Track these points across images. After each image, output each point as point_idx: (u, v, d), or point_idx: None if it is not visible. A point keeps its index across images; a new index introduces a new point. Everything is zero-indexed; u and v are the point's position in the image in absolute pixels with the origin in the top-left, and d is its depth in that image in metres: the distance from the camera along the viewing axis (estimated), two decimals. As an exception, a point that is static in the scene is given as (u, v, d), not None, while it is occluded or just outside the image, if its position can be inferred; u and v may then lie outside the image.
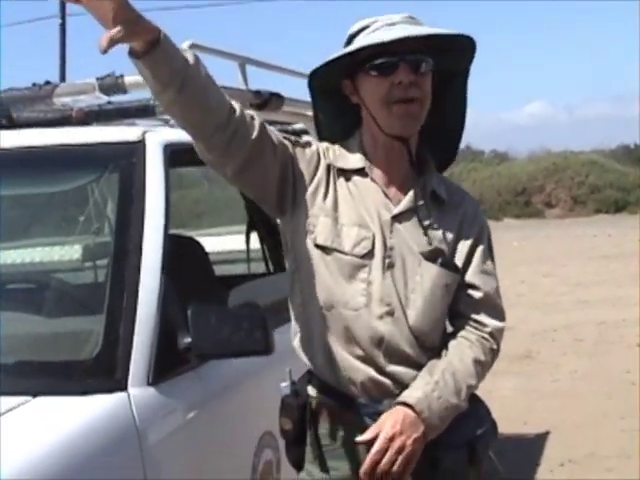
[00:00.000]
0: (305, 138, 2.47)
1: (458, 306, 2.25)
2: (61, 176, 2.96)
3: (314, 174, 2.22)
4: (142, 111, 3.26)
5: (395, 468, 2.06)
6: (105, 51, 1.81)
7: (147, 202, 2.58)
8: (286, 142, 2.20)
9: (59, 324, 2.60)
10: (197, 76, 1.98)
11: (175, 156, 2.76)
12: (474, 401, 2.26)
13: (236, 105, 2.09)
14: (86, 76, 3.10)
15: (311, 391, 2.27)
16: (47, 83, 3.14)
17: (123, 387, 2.25)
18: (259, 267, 4.10)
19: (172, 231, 2.99)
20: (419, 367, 2.18)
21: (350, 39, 2.22)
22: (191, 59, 1.97)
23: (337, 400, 2.22)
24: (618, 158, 37.47)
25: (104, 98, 3.11)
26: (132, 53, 1.91)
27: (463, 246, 2.25)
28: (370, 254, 2.17)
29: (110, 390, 2.24)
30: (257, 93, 3.42)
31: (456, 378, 2.16)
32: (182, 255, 3.01)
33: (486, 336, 2.24)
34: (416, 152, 2.27)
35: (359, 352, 2.17)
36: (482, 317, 2.25)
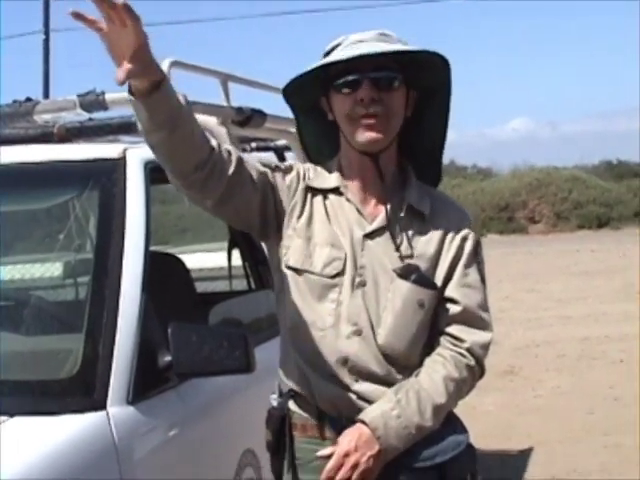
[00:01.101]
0: (288, 160, 2.47)
1: (438, 322, 2.23)
2: (42, 193, 2.95)
3: (292, 198, 2.25)
4: (123, 128, 3.26)
5: None
6: (122, 83, 1.86)
7: (128, 219, 2.58)
8: (266, 170, 2.24)
9: (38, 342, 2.59)
10: (188, 118, 2.03)
11: (156, 173, 2.73)
12: (449, 423, 2.23)
13: (214, 142, 2.14)
14: (70, 92, 3.10)
15: (291, 405, 2.27)
16: (28, 100, 3.13)
17: (102, 406, 2.25)
18: (240, 284, 4.09)
19: (154, 248, 2.98)
20: (391, 385, 2.18)
21: (325, 57, 2.24)
22: (183, 101, 2.02)
23: (311, 415, 2.23)
24: (600, 174, 37.64)
25: (85, 115, 3.11)
26: (133, 93, 1.93)
27: (444, 260, 2.23)
28: (341, 274, 2.19)
29: (89, 409, 2.23)
30: (239, 110, 3.42)
31: (420, 397, 2.15)
32: (163, 272, 3.01)
33: (462, 352, 2.21)
34: (396, 167, 2.28)
35: (326, 371, 2.18)
36: (460, 332, 2.22)
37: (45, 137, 3.01)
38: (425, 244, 2.22)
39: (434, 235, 2.24)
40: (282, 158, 4.15)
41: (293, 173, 2.28)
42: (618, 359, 8.99)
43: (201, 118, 3.35)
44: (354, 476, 2.09)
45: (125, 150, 2.76)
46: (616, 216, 32.41)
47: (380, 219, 2.22)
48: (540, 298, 14.06)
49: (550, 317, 12.08)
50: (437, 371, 2.18)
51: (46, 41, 8.09)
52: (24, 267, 3.30)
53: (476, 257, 2.27)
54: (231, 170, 2.14)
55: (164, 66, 3.05)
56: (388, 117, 2.18)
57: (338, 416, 2.20)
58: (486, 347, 2.26)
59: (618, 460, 5.67)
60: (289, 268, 2.22)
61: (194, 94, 3.27)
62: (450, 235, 2.24)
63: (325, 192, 2.27)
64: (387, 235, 2.21)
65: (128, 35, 1.82)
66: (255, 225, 2.25)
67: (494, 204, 34.11)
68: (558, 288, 15.10)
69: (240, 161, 2.17)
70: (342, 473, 2.09)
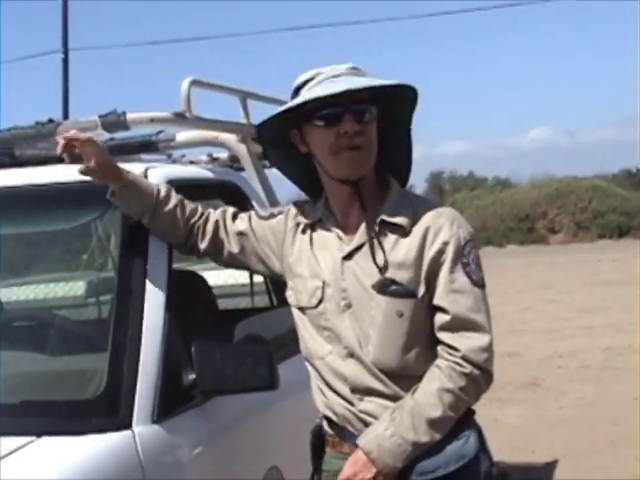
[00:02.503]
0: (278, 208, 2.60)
1: (435, 331, 2.26)
2: (65, 213, 2.96)
3: (283, 240, 2.45)
4: (145, 147, 3.28)
5: None
6: (81, 173, 2.47)
7: (150, 237, 2.59)
8: (260, 222, 2.52)
9: (63, 362, 2.60)
10: (164, 210, 2.50)
11: (178, 191, 2.76)
12: (453, 434, 2.25)
13: (211, 215, 2.56)
14: (90, 111, 3.12)
15: (324, 424, 2.41)
16: (50, 121, 3.15)
17: (128, 425, 2.25)
18: (262, 301, 4.10)
19: (175, 265, 2.99)
20: (396, 399, 2.24)
21: (296, 91, 2.32)
22: (162, 193, 2.50)
23: (335, 432, 2.37)
24: (620, 183, 37.50)
25: (106, 135, 3.13)
26: (111, 192, 2.48)
27: (425, 266, 2.24)
28: (322, 301, 2.31)
29: (115, 429, 2.23)
30: (258, 126, 3.43)
31: (414, 412, 2.19)
32: (186, 290, 3.01)
33: (458, 361, 2.21)
34: (376, 182, 2.34)
35: (336, 392, 2.31)
36: (453, 340, 2.23)
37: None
38: (405, 253, 2.25)
39: (414, 243, 2.25)
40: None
41: (280, 217, 2.48)
42: (642, 369, 8.93)
43: (222, 136, 3.40)
44: None
45: (147, 169, 2.78)
46: (637, 225, 32.21)
47: (356, 239, 2.29)
48: (562, 308, 13.99)
49: (572, 327, 12.01)
50: (431, 384, 2.21)
51: (65, 61, 8.13)
52: (48, 287, 3.32)
53: (461, 259, 2.25)
54: (206, 245, 2.55)
55: (184, 85, 3.07)
56: (369, 149, 2.27)
57: (355, 430, 2.30)
58: (486, 349, 2.23)
59: (644, 472, 5.62)
60: (294, 307, 2.40)
61: (214, 111, 3.31)
62: (429, 240, 2.24)
63: (311, 225, 2.39)
64: (365, 253, 2.27)
65: (88, 151, 2.44)
66: (263, 270, 2.57)
67: (514, 215, 34.01)
68: (580, 298, 15.03)
69: (215, 233, 2.54)
70: None
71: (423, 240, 2.24)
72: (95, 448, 2.17)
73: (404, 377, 2.25)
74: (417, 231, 2.25)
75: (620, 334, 11.14)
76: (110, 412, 2.28)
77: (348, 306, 2.28)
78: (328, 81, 2.24)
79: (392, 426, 2.19)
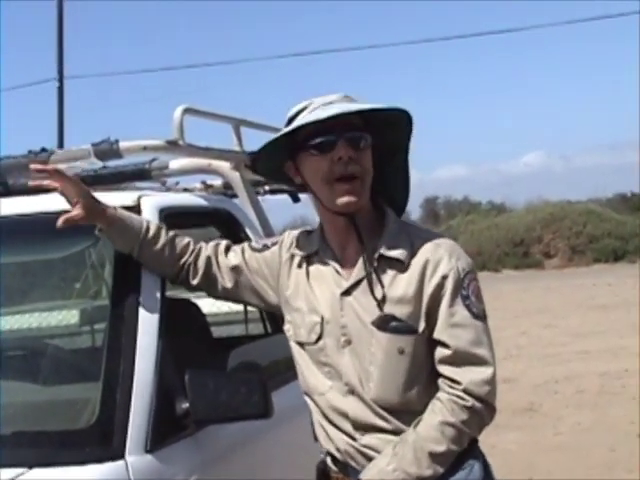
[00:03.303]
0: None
1: (436, 364, 2.23)
2: (58, 242, 2.95)
3: (279, 272, 2.42)
4: (138, 175, 3.29)
5: None
6: (60, 229, 2.45)
7: (143, 266, 2.58)
8: (253, 254, 2.50)
9: (55, 392, 2.58)
10: (151, 247, 2.50)
11: (171, 219, 2.76)
12: (454, 466, 2.22)
13: (203, 251, 2.54)
14: (85, 138, 3.13)
15: (328, 460, 2.38)
16: (43, 150, 3.16)
17: (120, 455, 2.23)
18: (257, 328, 4.09)
19: (169, 293, 2.98)
20: (399, 433, 2.22)
21: (289, 122, 2.30)
22: (151, 231, 2.50)
23: (339, 468, 2.34)
24: (615, 207, 37.58)
25: (99, 163, 3.13)
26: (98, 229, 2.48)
27: (425, 301, 2.21)
28: (321, 337, 2.28)
29: (108, 459, 2.21)
30: (252, 154, 3.44)
31: (416, 446, 2.16)
32: (179, 318, 3.00)
33: (459, 394, 2.18)
34: (373, 214, 2.32)
35: (338, 427, 2.29)
36: (454, 374, 2.20)
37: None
38: (405, 288, 2.21)
39: (413, 277, 2.22)
40: (296, 199, 4.17)
41: (274, 248, 2.46)
42: (638, 394, 8.90)
43: (215, 163, 3.40)
44: None
45: (139, 197, 2.78)
46: (632, 249, 32.25)
47: (354, 274, 2.26)
48: (558, 333, 13.98)
49: (568, 352, 12.00)
50: (433, 417, 2.18)
51: (60, 89, 8.14)
52: (41, 315, 3.31)
53: (461, 292, 2.21)
54: (198, 281, 2.54)
55: (177, 113, 3.08)
56: (363, 178, 2.24)
57: (357, 466, 2.27)
58: (488, 382, 2.21)
59: (642, 498, 5.60)
60: (293, 342, 2.38)
61: (207, 139, 3.32)
62: (429, 273, 2.21)
63: (307, 257, 2.35)
64: (364, 289, 2.24)
65: (69, 190, 2.44)
66: (260, 304, 2.56)
67: (509, 239, 34.04)
68: (575, 323, 15.02)
69: (208, 270, 2.53)
70: None
71: (422, 274, 2.21)
72: (88, 478, 2.15)
73: (406, 412, 2.23)
74: (415, 265, 2.22)
75: (616, 359, 11.14)
76: (103, 442, 2.26)
77: (348, 342, 2.25)
78: (320, 109, 2.23)
79: (394, 461, 2.16)
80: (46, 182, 2.45)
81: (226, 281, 2.51)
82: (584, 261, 32.41)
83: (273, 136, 2.30)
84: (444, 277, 2.20)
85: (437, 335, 2.21)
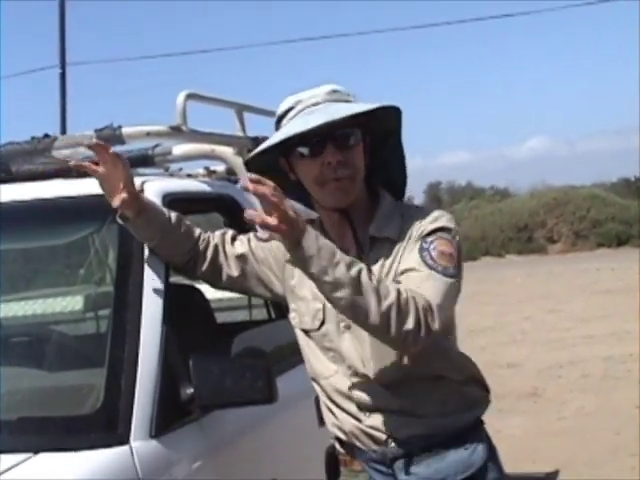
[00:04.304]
0: None
1: None
2: (62, 228, 2.96)
3: (284, 262, 2.40)
4: (141, 161, 3.28)
5: None
6: (117, 208, 2.38)
7: (147, 251, 2.58)
8: (260, 244, 2.48)
9: (60, 378, 2.59)
10: (171, 237, 2.49)
11: (174, 205, 2.75)
12: (460, 441, 2.26)
13: (211, 240, 2.54)
14: (88, 125, 3.13)
15: (337, 444, 2.44)
16: (46, 136, 3.15)
17: (125, 441, 2.24)
18: (261, 314, 4.09)
19: (173, 279, 2.99)
20: (400, 412, 2.25)
21: (278, 120, 2.33)
22: (173, 220, 2.48)
23: (346, 450, 2.40)
24: (619, 191, 37.56)
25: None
26: (121, 216, 2.40)
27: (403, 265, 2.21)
28: (324, 323, 2.31)
29: (112, 444, 2.22)
30: (255, 139, 3.43)
31: (364, 277, 2.05)
32: (183, 303, 3.01)
33: (419, 294, 2.10)
34: (368, 199, 2.34)
35: (344, 409, 2.33)
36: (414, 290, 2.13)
37: (64, 172, 3.02)
38: (397, 264, 2.24)
39: (399, 251, 2.25)
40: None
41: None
42: (643, 378, 8.92)
43: (218, 149, 3.39)
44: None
45: (143, 183, 2.77)
46: (636, 234, 32.24)
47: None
48: (561, 318, 13.99)
49: (572, 337, 12.01)
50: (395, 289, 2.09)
51: (62, 75, 8.10)
52: (45, 302, 3.31)
53: (422, 245, 2.19)
54: (204, 269, 2.53)
55: (180, 98, 3.08)
56: (354, 178, 2.26)
57: (365, 448, 2.32)
58: (429, 309, 2.10)
59: (646, 481, 5.61)
60: (297, 329, 2.41)
61: (211, 124, 3.31)
62: (412, 240, 2.23)
63: None
64: None
65: (118, 174, 2.35)
66: (266, 294, 2.56)
67: (512, 224, 34.05)
68: (579, 307, 15.03)
69: (215, 258, 2.52)
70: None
71: (405, 247, 2.24)
72: (93, 464, 2.16)
73: (408, 387, 2.25)
74: (402, 239, 2.25)
75: (620, 343, 11.14)
76: (108, 428, 2.27)
77: (347, 327, 2.28)
78: (307, 112, 2.24)
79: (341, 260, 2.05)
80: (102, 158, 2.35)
81: (232, 270, 2.52)
82: (588, 246, 32.43)
83: (257, 149, 2.33)
84: (416, 240, 2.23)
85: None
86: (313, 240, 2.03)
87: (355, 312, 2.06)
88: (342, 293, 2.03)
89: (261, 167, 2.40)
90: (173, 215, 2.51)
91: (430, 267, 2.17)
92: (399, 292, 2.07)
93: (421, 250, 2.19)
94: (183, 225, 2.52)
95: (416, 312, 2.06)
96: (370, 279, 2.06)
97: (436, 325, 2.09)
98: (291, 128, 2.23)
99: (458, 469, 2.26)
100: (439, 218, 2.26)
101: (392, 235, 2.26)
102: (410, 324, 2.05)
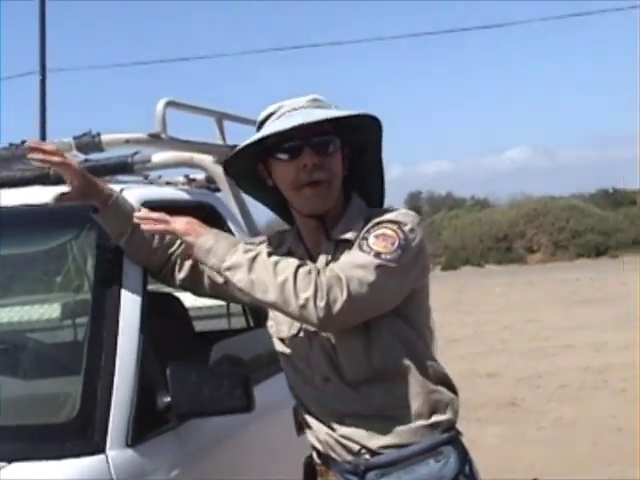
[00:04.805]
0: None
1: None
2: (40, 235, 2.94)
3: None
4: (120, 168, 3.27)
5: None
6: (56, 204, 2.43)
7: (125, 259, 2.57)
8: None
9: (36, 386, 2.56)
10: (141, 233, 2.46)
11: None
12: (432, 453, 2.24)
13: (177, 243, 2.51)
14: (67, 132, 3.11)
15: (314, 455, 2.44)
16: (23, 142, 3.13)
17: (101, 449, 2.22)
18: (239, 322, 4.08)
19: (151, 287, 2.97)
20: (376, 417, 2.24)
21: (260, 125, 2.34)
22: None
23: (321, 460, 2.40)
24: (597, 202, 37.77)
25: (81, 156, 3.11)
26: (93, 208, 2.45)
27: None
28: (301, 331, 2.32)
29: (88, 453, 2.20)
30: (234, 148, 3.42)
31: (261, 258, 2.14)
32: (161, 312, 2.99)
33: (323, 272, 2.12)
34: (342, 204, 2.34)
35: (318, 419, 2.34)
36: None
37: (42, 179, 3.00)
38: None
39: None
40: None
41: (262, 247, 2.37)
42: (620, 388, 8.96)
43: (197, 157, 3.39)
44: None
45: (122, 190, 2.76)
46: (614, 244, 32.47)
47: (319, 264, 2.27)
48: (540, 328, 14.05)
49: (551, 347, 12.06)
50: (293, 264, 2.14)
51: (43, 82, 8.09)
52: (22, 309, 3.28)
53: (364, 235, 2.19)
54: (184, 275, 2.53)
55: (159, 106, 3.07)
56: (330, 183, 2.27)
57: (339, 459, 2.32)
58: (335, 278, 2.10)
59: (623, 491, 5.63)
60: (275, 338, 2.41)
61: (190, 132, 3.30)
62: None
63: (288, 254, 2.35)
64: None
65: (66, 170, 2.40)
66: (249, 303, 2.51)
67: (492, 235, 34.18)
68: (558, 317, 15.10)
69: (196, 264, 2.47)
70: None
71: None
72: (68, 473, 2.14)
73: (381, 387, 2.25)
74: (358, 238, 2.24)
75: (598, 353, 11.20)
76: (84, 436, 2.25)
77: (316, 333, 2.29)
78: (287, 115, 2.26)
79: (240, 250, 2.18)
80: (41, 157, 2.38)
81: (215, 276, 2.48)
82: (567, 256, 32.60)
83: (239, 146, 2.33)
84: (369, 229, 2.22)
85: None
86: (210, 237, 2.20)
87: (254, 291, 2.14)
88: (239, 275, 2.14)
89: (239, 173, 2.42)
90: (144, 211, 2.49)
91: (361, 251, 2.17)
92: (298, 266, 2.12)
93: (361, 239, 2.20)
94: None
95: (315, 282, 2.08)
96: (269, 259, 2.14)
97: (344, 295, 2.07)
98: (270, 128, 2.26)
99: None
100: (392, 213, 2.25)
101: (352, 238, 2.25)
102: (308, 292, 2.08)
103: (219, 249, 2.18)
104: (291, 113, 2.26)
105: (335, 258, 2.26)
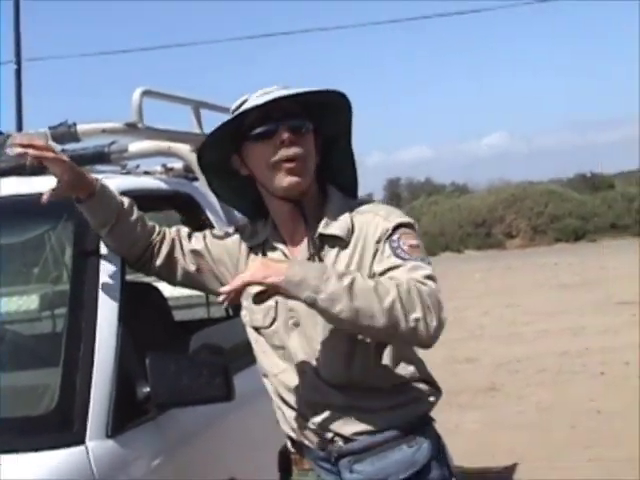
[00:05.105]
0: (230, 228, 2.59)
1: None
2: (17, 226, 2.92)
3: (237, 260, 2.45)
4: (97, 158, 3.26)
5: None
6: (45, 202, 2.40)
7: (103, 249, 2.56)
8: (215, 241, 2.50)
9: (15, 378, 2.55)
10: (126, 221, 2.47)
11: (130, 202, 2.74)
12: (405, 439, 2.27)
13: (167, 234, 2.53)
14: (44, 122, 3.10)
15: (289, 444, 2.45)
16: (0, 133, 3.12)
17: (81, 441, 2.22)
18: (218, 311, 4.08)
19: (130, 277, 2.97)
20: (347, 409, 2.26)
21: (233, 113, 2.35)
22: (126, 204, 2.47)
23: (296, 449, 2.41)
24: (575, 187, 37.91)
25: (58, 147, 3.09)
26: (77, 198, 2.42)
27: (367, 270, 2.23)
28: (275, 320, 2.33)
29: (68, 444, 2.20)
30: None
31: (365, 282, 2.04)
32: (140, 302, 2.99)
33: (419, 280, 2.09)
34: (318, 196, 2.36)
35: (292, 408, 2.34)
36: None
37: (18, 170, 2.98)
38: (347, 263, 2.25)
39: (355, 251, 2.27)
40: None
41: (235, 237, 2.48)
42: (598, 372, 9.03)
43: (174, 146, 3.38)
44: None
45: (99, 180, 2.75)
46: (592, 228, 32.63)
47: (299, 257, 2.31)
48: (519, 312, 14.10)
49: (530, 332, 12.12)
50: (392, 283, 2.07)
51: (18, 71, 8.02)
52: (0, 300, 3.27)
53: (391, 245, 2.20)
54: (160, 262, 2.52)
55: (135, 95, 3.05)
56: (306, 159, 2.29)
57: (313, 447, 2.33)
58: (431, 292, 2.08)
59: (601, 474, 5.68)
60: (249, 327, 2.41)
61: (166, 121, 3.30)
62: (369, 242, 2.25)
63: (260, 247, 2.40)
64: None
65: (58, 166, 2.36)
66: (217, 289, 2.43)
67: (471, 220, 34.26)
68: (537, 302, 15.16)
69: (171, 252, 2.51)
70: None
71: (363, 247, 2.25)
72: (48, 465, 2.14)
73: (355, 389, 2.27)
74: (355, 239, 2.27)
75: (577, 337, 11.27)
76: (63, 428, 2.24)
77: (296, 324, 2.30)
78: (261, 96, 2.29)
79: (332, 271, 2.06)
80: (34, 153, 2.35)
81: (189, 264, 2.51)
82: (545, 241, 32.72)
83: (213, 129, 2.34)
84: (378, 242, 2.23)
85: (376, 270, 2.19)
86: (297, 267, 2.05)
87: (360, 320, 2.01)
88: (340, 305, 2.00)
89: (212, 163, 2.42)
90: (126, 200, 2.50)
91: (409, 260, 2.16)
92: (398, 284, 2.04)
93: (393, 250, 2.19)
94: (136, 212, 2.51)
95: (420, 298, 2.03)
96: (366, 282, 2.04)
97: (443, 308, 2.07)
98: (244, 107, 2.28)
99: (400, 467, 2.26)
100: (392, 214, 2.28)
101: (340, 234, 2.27)
102: (418, 312, 2.02)
103: (310, 280, 2.01)
104: (263, 96, 2.28)
105: (326, 252, 2.27)
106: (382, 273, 2.16)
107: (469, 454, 5.96)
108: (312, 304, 2.03)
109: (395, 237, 2.21)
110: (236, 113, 2.30)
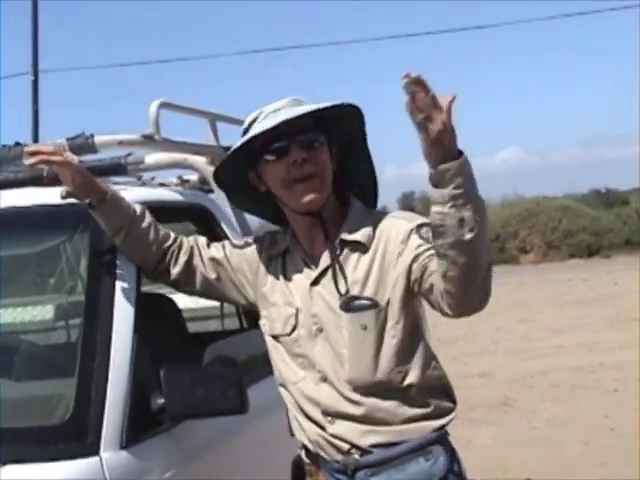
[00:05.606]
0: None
1: (434, 289, 2.18)
2: (33, 236, 2.94)
3: (257, 269, 2.46)
4: (114, 169, 3.27)
5: None
6: (63, 198, 2.46)
7: (118, 261, 2.57)
8: (235, 250, 2.51)
9: (29, 388, 2.56)
10: (140, 226, 2.49)
11: (146, 214, 2.74)
12: (422, 452, 2.26)
13: (185, 242, 2.54)
14: (61, 133, 3.11)
15: (303, 454, 2.44)
16: (17, 144, 3.13)
17: (95, 452, 2.22)
18: (233, 323, 4.08)
19: (145, 288, 2.97)
20: (365, 419, 2.26)
21: (244, 133, 2.37)
22: (138, 210, 2.49)
23: (311, 460, 2.40)
24: (589, 202, 37.76)
25: (75, 158, 3.10)
26: (90, 205, 2.43)
27: (390, 272, 2.25)
28: (296, 328, 2.33)
29: (82, 455, 2.20)
30: (228, 149, 3.42)
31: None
32: (155, 313, 3.00)
33: None
34: (338, 205, 2.38)
35: (309, 417, 2.33)
36: None
37: (35, 181, 3.00)
38: (367, 270, 2.28)
39: (376, 254, 2.28)
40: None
41: (254, 246, 2.49)
42: (612, 388, 8.97)
43: (190, 158, 3.39)
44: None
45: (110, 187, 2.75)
46: (606, 244, 32.45)
47: (321, 264, 2.33)
48: (533, 328, 14.04)
49: (544, 347, 12.05)
50: None
51: (35, 82, 8.07)
52: (15, 311, 3.28)
53: (420, 236, 2.24)
54: (179, 270, 2.51)
55: (153, 107, 3.07)
56: (321, 174, 2.30)
57: (327, 456, 2.33)
58: None
59: (615, 491, 5.65)
60: (267, 335, 2.41)
61: (183, 133, 3.31)
62: (390, 247, 2.27)
63: (283, 254, 2.42)
64: (330, 276, 2.30)
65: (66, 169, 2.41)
66: (236, 300, 2.56)
67: (485, 235, 34.12)
68: (551, 317, 15.08)
69: (190, 260, 2.52)
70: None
71: (384, 250, 2.27)
72: (62, 475, 2.14)
73: (377, 395, 2.26)
74: (376, 243, 2.29)
75: (591, 353, 11.20)
76: (77, 438, 2.25)
77: (320, 330, 2.31)
78: (270, 116, 2.30)
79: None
80: (42, 158, 2.40)
81: (208, 272, 2.51)
82: (559, 256, 32.57)
83: (229, 151, 2.37)
84: (402, 242, 2.25)
85: (416, 273, 2.21)
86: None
87: (483, 243, 2.14)
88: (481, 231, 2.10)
89: (232, 186, 2.44)
90: (139, 208, 2.52)
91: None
92: None
93: (425, 240, 2.21)
94: (149, 216, 2.52)
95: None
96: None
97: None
98: (255, 130, 2.29)
99: (419, 479, 2.26)
100: (413, 218, 2.31)
101: (362, 239, 2.30)
102: (489, 278, 2.23)
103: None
104: (274, 114, 2.30)
105: (345, 257, 2.29)
106: (415, 258, 2.20)
107: (482, 469, 5.92)
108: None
109: (422, 230, 2.24)
110: (245, 138, 2.31)
